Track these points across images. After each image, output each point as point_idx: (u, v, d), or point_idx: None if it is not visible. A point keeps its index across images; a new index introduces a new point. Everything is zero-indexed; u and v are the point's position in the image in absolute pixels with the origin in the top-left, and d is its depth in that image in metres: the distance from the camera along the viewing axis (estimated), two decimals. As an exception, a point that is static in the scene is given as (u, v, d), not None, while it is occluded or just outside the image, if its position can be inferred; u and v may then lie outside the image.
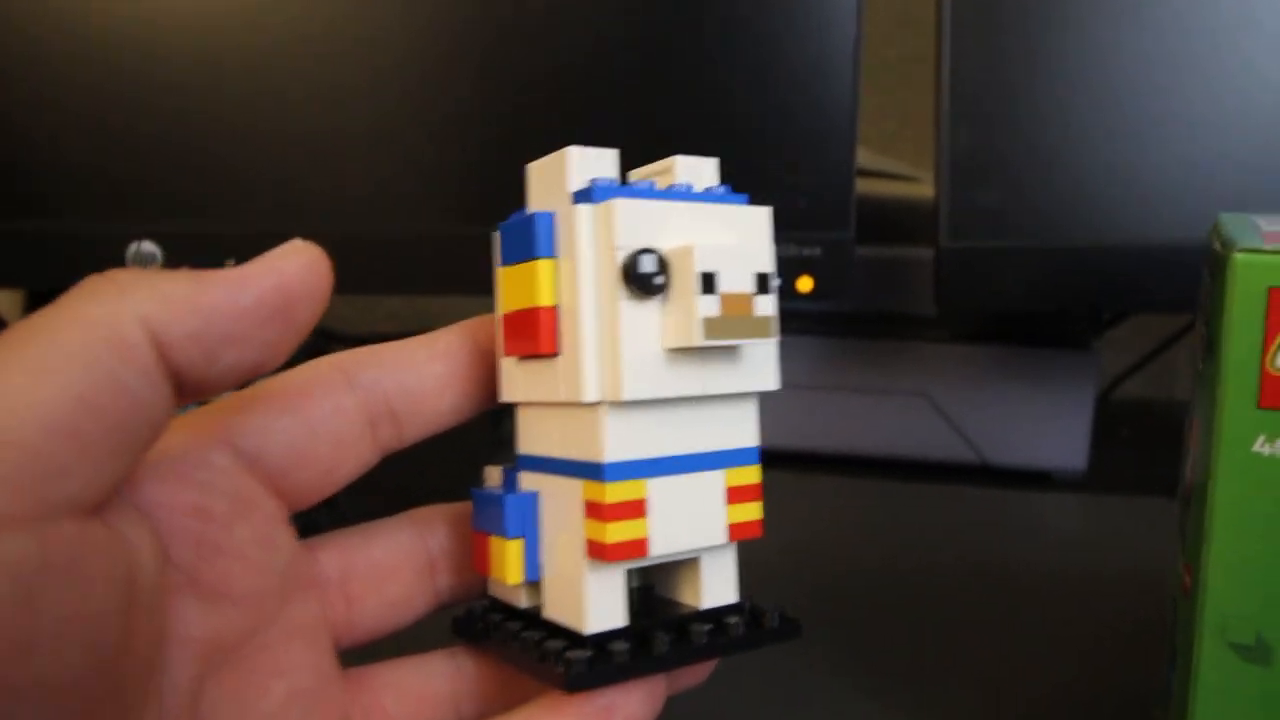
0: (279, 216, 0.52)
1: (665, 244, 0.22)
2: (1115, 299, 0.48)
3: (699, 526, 0.23)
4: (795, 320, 0.61)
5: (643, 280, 0.22)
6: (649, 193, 0.23)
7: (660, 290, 0.22)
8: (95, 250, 0.52)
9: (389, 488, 0.38)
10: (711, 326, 0.22)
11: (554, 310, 0.23)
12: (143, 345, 0.18)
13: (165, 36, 0.52)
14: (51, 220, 0.53)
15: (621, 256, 0.22)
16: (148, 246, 0.52)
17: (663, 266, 0.22)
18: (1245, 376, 0.22)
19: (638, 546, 0.22)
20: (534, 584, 0.24)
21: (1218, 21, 0.45)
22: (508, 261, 0.24)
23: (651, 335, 0.22)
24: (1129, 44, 0.45)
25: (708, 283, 0.22)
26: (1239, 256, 0.22)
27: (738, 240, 0.23)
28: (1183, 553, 0.25)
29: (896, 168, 0.67)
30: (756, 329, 0.22)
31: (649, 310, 0.22)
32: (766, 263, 0.22)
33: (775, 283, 0.23)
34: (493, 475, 0.26)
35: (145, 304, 0.19)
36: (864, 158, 0.61)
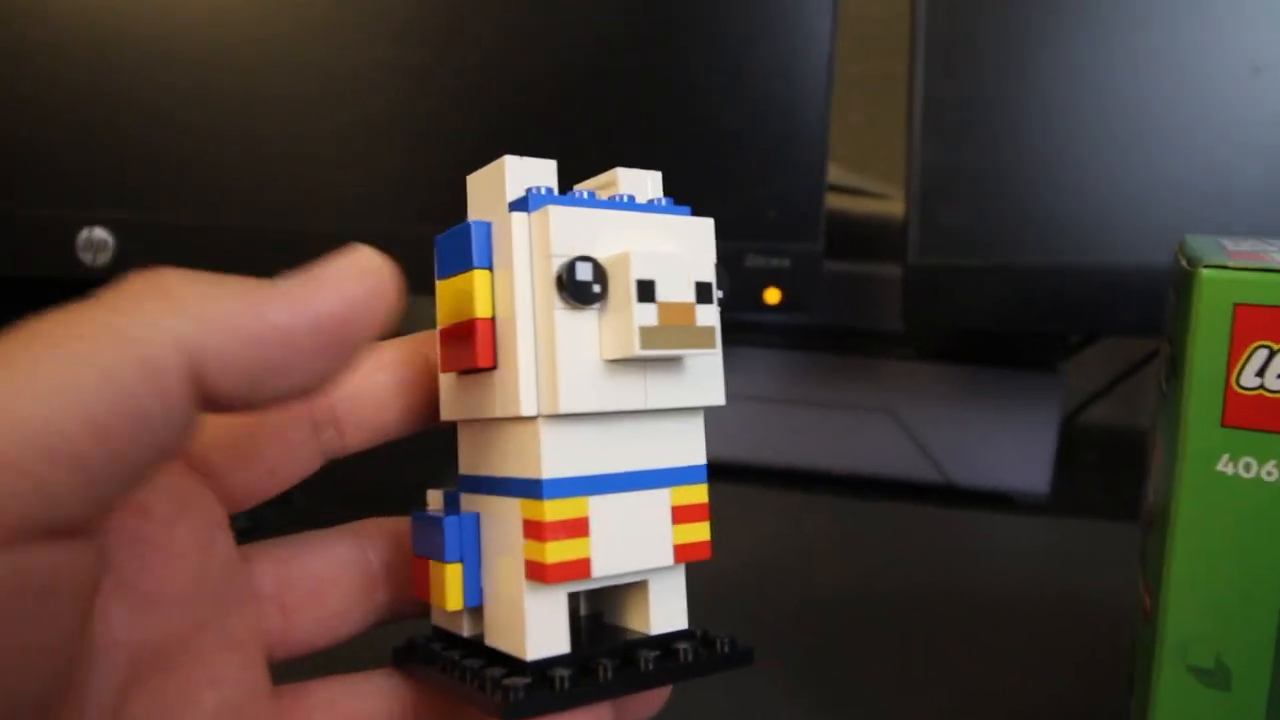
0: (237, 210, 0.50)
1: (603, 252, 0.22)
2: (1082, 320, 0.47)
3: (644, 547, 0.22)
4: (761, 333, 0.60)
5: (578, 288, 0.21)
6: (587, 201, 0.22)
7: (598, 299, 0.21)
8: (44, 235, 0.51)
9: (358, 491, 0.37)
10: (649, 336, 0.21)
11: (490, 322, 0.22)
12: (175, 372, 0.17)
13: (126, 22, 0.51)
14: None
15: (557, 265, 0.21)
16: (99, 233, 0.50)
17: (600, 275, 0.21)
18: (1210, 394, 0.21)
19: (579, 567, 0.21)
20: (477, 610, 0.23)
21: (1186, 46, 0.45)
22: (444, 274, 0.23)
23: (590, 346, 0.21)
24: (1099, 67, 0.45)
25: (645, 291, 0.21)
26: (1205, 272, 0.21)
27: (678, 249, 0.23)
28: (1144, 575, 0.24)
29: (865, 184, 0.67)
30: (698, 339, 0.22)
31: (587, 320, 0.21)
32: (707, 271, 0.22)
33: (718, 294, 0.22)
34: (434, 498, 0.25)
35: (190, 325, 0.17)
36: (833, 174, 0.61)
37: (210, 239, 0.50)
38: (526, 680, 0.21)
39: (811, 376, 0.57)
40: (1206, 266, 0.21)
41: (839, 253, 0.56)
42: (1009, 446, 0.54)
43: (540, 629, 0.22)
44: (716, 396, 0.23)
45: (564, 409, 0.21)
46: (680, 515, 0.23)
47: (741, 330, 0.60)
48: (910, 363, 0.57)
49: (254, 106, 0.50)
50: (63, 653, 0.17)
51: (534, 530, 0.21)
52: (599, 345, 0.21)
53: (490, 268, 0.22)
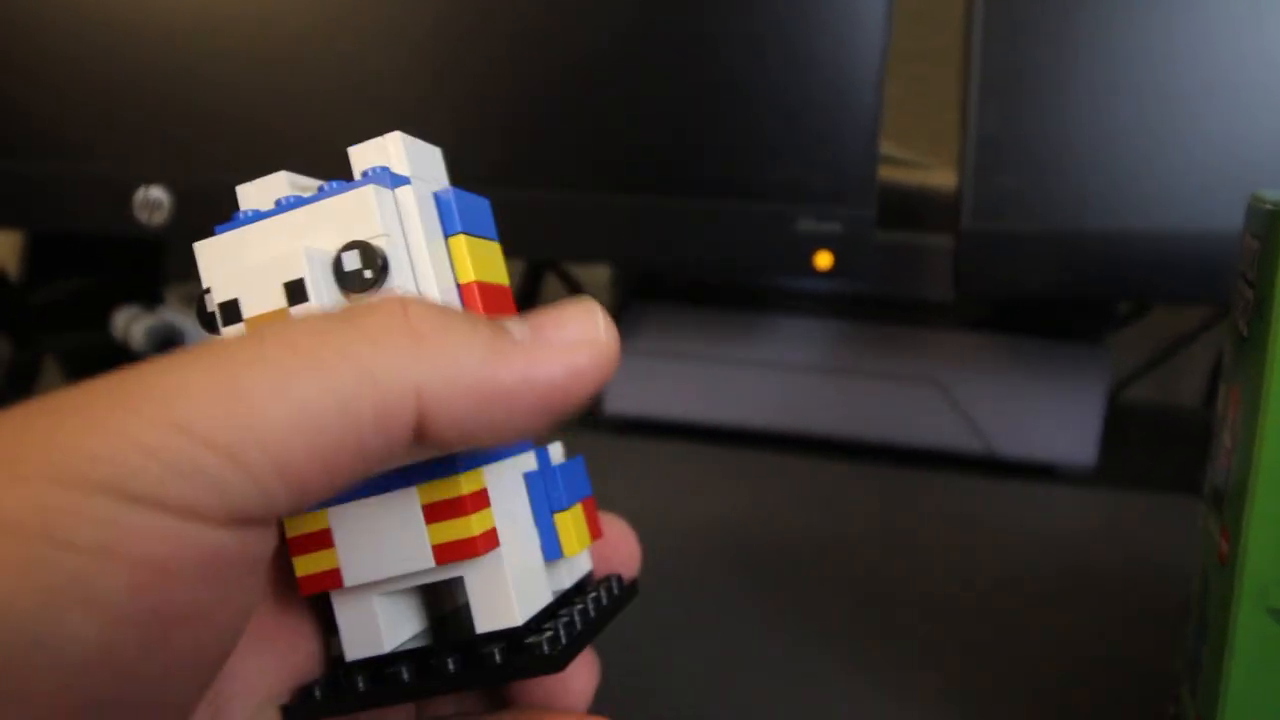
0: (293, 167, 0.51)
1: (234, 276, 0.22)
2: (1137, 287, 0.47)
3: (396, 551, 0.22)
4: (805, 301, 0.60)
5: (208, 324, 0.22)
6: (240, 221, 0.22)
7: (216, 330, 0.22)
8: (101, 193, 0.51)
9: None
10: None
11: None
12: (405, 419, 0.18)
13: (183, -18, 0.51)
14: (56, 160, 0.52)
15: (210, 301, 0.21)
16: (155, 193, 0.51)
17: (231, 313, 0.21)
18: (1298, 334, 0.21)
19: (330, 578, 0.22)
20: None
21: (1247, 10, 0.44)
22: None
23: None
24: (1157, 30, 0.45)
25: (230, 312, 0.21)
26: (1296, 211, 0.21)
27: (326, 238, 0.22)
28: (1219, 520, 0.24)
29: (908, 155, 0.66)
30: None
31: None
32: (295, 268, 0.21)
33: (368, 274, 0.21)
34: None
35: (431, 375, 0.18)
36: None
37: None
38: (315, 683, 0.22)
39: (855, 346, 0.57)
40: (1297, 205, 0.21)
41: (882, 222, 0.56)
42: (1055, 418, 0.54)
43: (352, 632, 0.22)
44: None
45: None
46: (433, 513, 0.21)
47: (785, 299, 0.60)
48: (956, 333, 0.57)
49: (310, 66, 0.51)
50: (239, 624, 0.19)
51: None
52: None
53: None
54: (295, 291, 0.21)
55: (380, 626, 0.22)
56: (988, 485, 0.51)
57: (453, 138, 0.51)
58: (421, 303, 0.19)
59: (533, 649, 0.21)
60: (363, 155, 0.23)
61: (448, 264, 0.23)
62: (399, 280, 0.21)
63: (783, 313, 0.59)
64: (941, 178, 0.62)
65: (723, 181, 0.47)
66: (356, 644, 0.22)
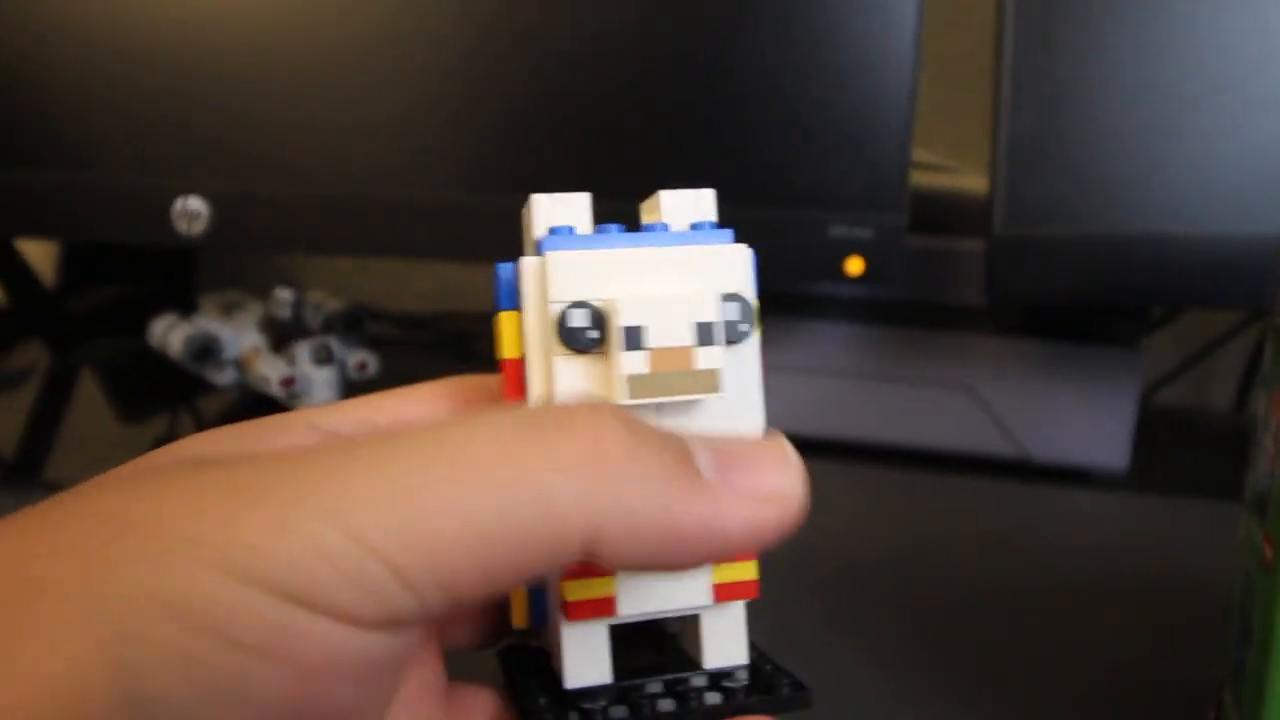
0: (331, 177, 0.51)
1: (610, 295, 0.21)
2: (1170, 292, 0.47)
3: (678, 587, 0.22)
4: (837, 307, 0.60)
5: (572, 335, 0.21)
6: (599, 240, 0.22)
7: (595, 345, 0.21)
8: (140, 204, 0.52)
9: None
10: (639, 384, 0.21)
11: (517, 363, 0.22)
12: (573, 547, 0.17)
13: (220, -4, 0.52)
14: (94, 172, 0.53)
15: (555, 311, 0.21)
16: (194, 203, 0.51)
17: (597, 321, 0.21)
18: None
19: (603, 606, 0.21)
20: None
21: (1284, 17, 0.44)
22: (497, 308, 0.24)
23: (597, 391, 0.21)
24: (1191, 31, 0.45)
25: (633, 337, 0.21)
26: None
27: (689, 288, 0.22)
28: (1262, 526, 0.24)
29: (940, 159, 0.66)
30: (697, 384, 0.21)
31: (592, 365, 0.21)
32: (709, 311, 0.21)
33: (742, 328, 0.22)
34: None
35: (610, 514, 0.17)
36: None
37: (304, 208, 0.51)
38: (549, 712, 0.22)
39: (888, 351, 0.57)
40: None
41: (913, 226, 0.56)
42: (1088, 422, 0.54)
43: (578, 659, 0.22)
44: (752, 429, 0.22)
45: None
46: None
47: (817, 304, 0.60)
48: (988, 337, 0.57)
49: (348, 77, 0.51)
50: (385, 705, 0.19)
51: None
52: (606, 390, 0.21)
53: (518, 309, 0.22)
54: (704, 333, 0.21)
55: (608, 656, 0.22)
56: (1021, 490, 0.51)
57: (487, 147, 0.51)
58: (614, 424, 0.18)
59: (791, 684, 0.22)
60: (679, 204, 0.23)
61: None
62: (753, 335, 0.22)
63: (815, 318, 0.59)
64: (973, 182, 0.62)
65: (755, 188, 0.47)
66: (581, 673, 0.22)
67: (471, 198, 0.51)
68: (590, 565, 0.18)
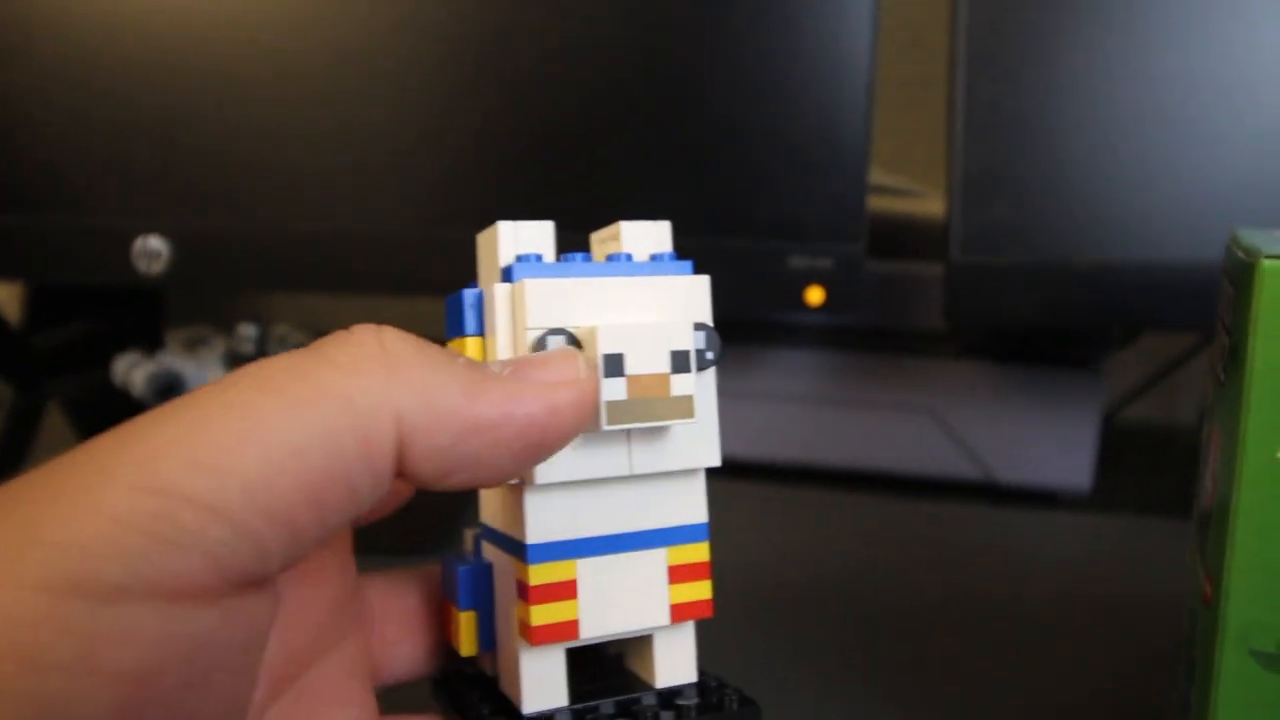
0: (291, 213, 0.51)
1: (581, 322, 0.22)
2: (1127, 316, 0.48)
3: (637, 607, 0.22)
4: (801, 334, 0.61)
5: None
6: (569, 269, 0.22)
7: None
8: (100, 244, 0.52)
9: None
10: (617, 411, 0.21)
11: None
12: (388, 448, 0.17)
13: (171, 30, 0.52)
14: (55, 213, 0.53)
15: (531, 338, 0.21)
16: (154, 242, 0.51)
17: (576, 345, 0.21)
18: (1271, 384, 0.22)
19: (566, 629, 0.22)
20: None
21: (1231, 41, 0.45)
22: (450, 335, 0.24)
23: None
24: (1143, 61, 0.46)
25: (612, 365, 0.21)
26: (1266, 263, 0.22)
27: (656, 316, 0.22)
28: (1202, 562, 0.25)
29: (900, 183, 0.67)
30: (672, 410, 0.21)
31: None
32: (683, 339, 0.22)
33: (709, 355, 0.22)
34: (468, 539, 0.26)
35: (409, 402, 0.17)
36: (870, 173, 0.61)
37: (264, 245, 0.51)
38: None
39: (851, 377, 0.58)
40: (1267, 257, 0.21)
41: (875, 251, 0.57)
42: (1051, 444, 0.54)
43: (536, 685, 0.22)
44: (709, 457, 0.23)
45: (538, 480, 0.21)
46: (678, 575, 0.23)
47: (781, 332, 0.61)
48: (950, 362, 0.57)
49: (306, 113, 0.51)
50: (246, 693, 0.18)
51: (522, 592, 0.22)
52: None
53: (482, 334, 0.23)
54: (680, 361, 0.22)
55: (565, 679, 0.22)
56: (986, 513, 0.51)
57: (446, 179, 0.51)
58: (395, 331, 0.18)
59: (740, 699, 0.23)
60: (639, 235, 0.24)
61: None
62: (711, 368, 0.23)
63: (778, 345, 0.59)
64: (934, 206, 0.63)
65: (713, 219, 0.48)
66: (538, 698, 0.22)
67: (430, 231, 0.51)
68: (406, 477, 0.18)
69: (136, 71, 0.52)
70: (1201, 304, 0.45)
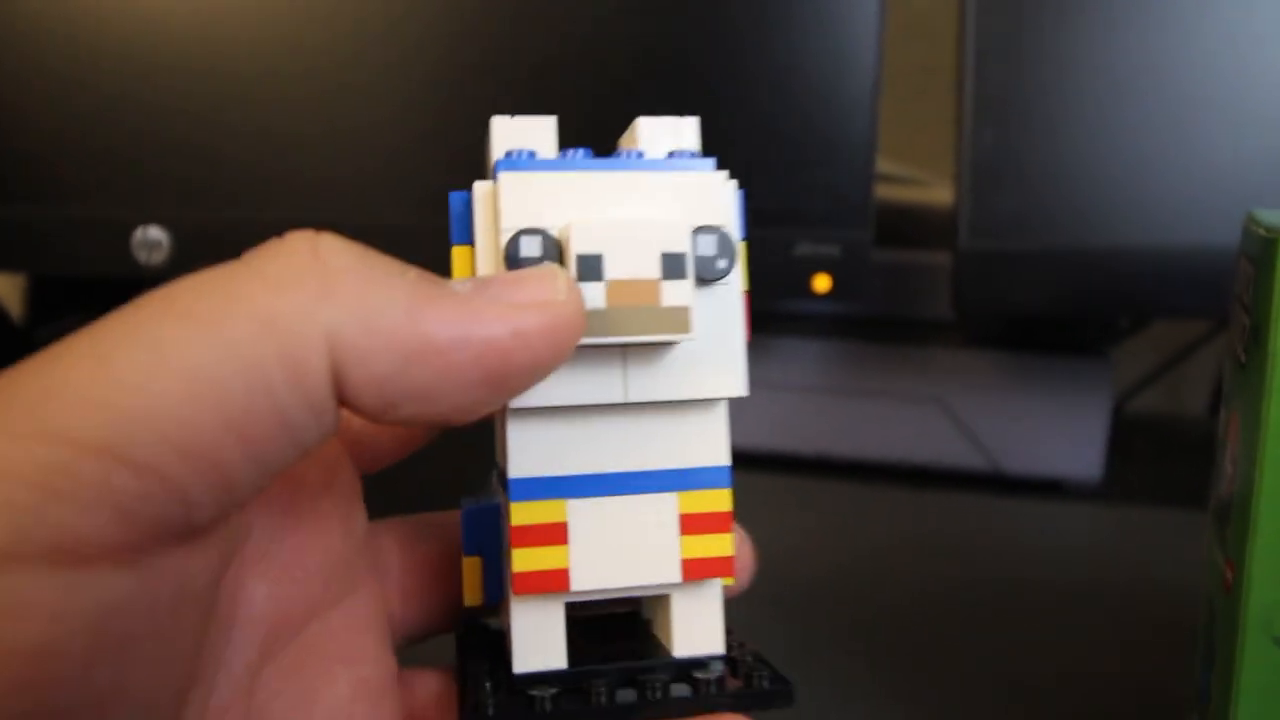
0: (291, 203, 0.51)
1: (565, 222, 0.19)
2: (1136, 303, 0.47)
3: (641, 560, 0.19)
4: (807, 322, 0.60)
5: (522, 266, 0.18)
6: (559, 164, 0.19)
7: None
8: (99, 235, 0.52)
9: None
10: (592, 321, 0.18)
11: None
12: (322, 374, 0.15)
13: (173, 20, 0.51)
14: (54, 204, 0.52)
15: (506, 238, 0.18)
16: (154, 233, 0.51)
17: (552, 249, 0.18)
18: (1294, 363, 0.21)
19: (554, 579, 0.19)
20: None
21: (1239, 25, 0.44)
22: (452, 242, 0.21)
23: None
24: (1150, 47, 0.45)
25: (588, 267, 0.18)
26: (1289, 239, 0.21)
27: (673, 212, 0.19)
28: (1222, 549, 0.24)
29: (907, 171, 0.66)
30: (664, 323, 0.18)
31: None
32: (678, 240, 0.18)
33: (720, 264, 0.19)
34: (494, 480, 0.23)
35: (343, 321, 0.15)
36: (877, 162, 0.60)
37: (265, 235, 0.50)
38: (491, 697, 0.19)
39: (858, 366, 0.57)
40: (1289, 233, 0.21)
41: (882, 240, 0.56)
42: (1060, 433, 0.54)
43: (529, 642, 0.19)
44: (729, 385, 0.20)
45: (513, 404, 0.18)
46: (691, 524, 0.20)
47: (788, 320, 0.60)
48: (958, 350, 0.57)
49: (307, 103, 0.51)
50: (191, 653, 0.16)
51: (508, 534, 0.19)
52: None
53: (470, 242, 0.20)
54: (672, 265, 0.18)
55: (563, 638, 0.20)
56: (994, 503, 0.51)
57: (448, 172, 0.51)
58: (335, 238, 0.16)
59: (772, 677, 0.20)
60: (656, 131, 0.21)
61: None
62: (735, 277, 0.19)
63: (785, 334, 0.59)
64: (941, 194, 0.62)
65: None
66: (531, 656, 0.19)
67: (431, 223, 0.50)
68: (381, 426, 0.16)
69: (136, 62, 0.52)
70: (1211, 291, 0.44)
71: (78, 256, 0.52)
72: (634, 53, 0.49)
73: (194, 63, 0.51)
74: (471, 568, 0.21)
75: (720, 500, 0.20)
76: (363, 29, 0.50)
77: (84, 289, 0.73)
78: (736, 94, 0.48)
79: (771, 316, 0.60)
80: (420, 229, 0.51)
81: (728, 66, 0.48)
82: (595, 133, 0.48)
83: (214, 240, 0.51)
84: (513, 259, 0.18)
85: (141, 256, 0.51)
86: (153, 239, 0.51)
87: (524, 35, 0.49)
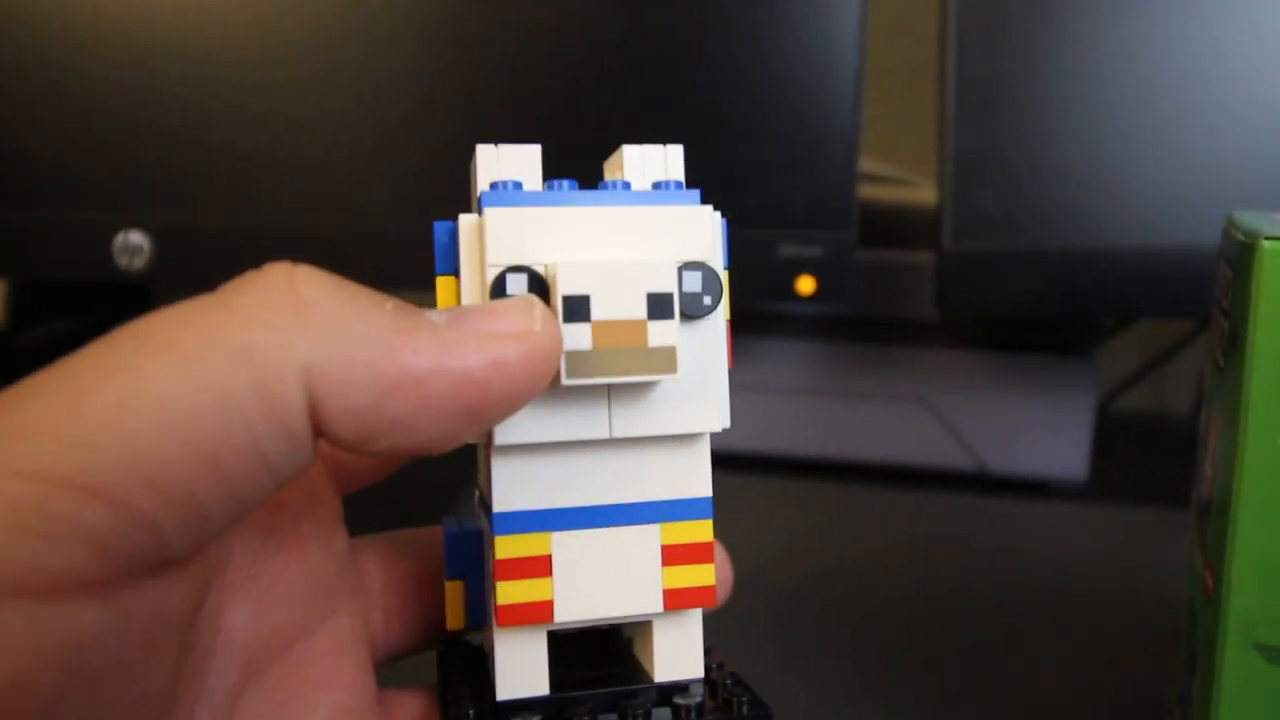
0: (272, 208, 0.51)
1: (549, 259, 0.19)
2: (1120, 303, 0.47)
3: (624, 590, 0.20)
4: (791, 324, 0.60)
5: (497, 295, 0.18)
6: (543, 197, 0.19)
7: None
8: (80, 240, 0.51)
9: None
10: (579, 363, 0.18)
11: None
12: (298, 406, 0.15)
13: (153, 24, 0.51)
14: (35, 210, 0.52)
15: (492, 275, 0.18)
16: (135, 238, 0.50)
17: (538, 287, 0.18)
18: (1272, 368, 0.21)
19: (538, 610, 0.19)
20: None
21: (1222, 26, 0.44)
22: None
23: None
24: (1135, 46, 0.45)
25: (575, 308, 0.18)
26: (1267, 244, 0.21)
27: (657, 248, 0.19)
28: (1202, 553, 0.24)
29: (892, 172, 0.66)
30: (650, 363, 0.18)
31: None
32: (664, 280, 0.18)
33: (706, 300, 0.19)
34: (476, 499, 0.23)
35: (319, 353, 0.15)
36: (861, 162, 0.60)
37: (247, 239, 0.50)
38: None
39: (842, 367, 0.57)
40: (1267, 238, 0.21)
41: (867, 240, 0.56)
42: (1045, 433, 0.54)
43: (512, 669, 0.20)
44: (711, 420, 0.20)
45: (497, 441, 0.19)
46: (673, 555, 0.20)
47: (772, 322, 0.60)
48: (942, 351, 0.57)
49: (287, 105, 0.51)
50: (168, 682, 0.16)
51: (491, 563, 0.20)
52: None
53: (455, 273, 0.19)
54: (659, 306, 0.18)
55: (545, 665, 0.20)
56: (979, 503, 0.51)
57: (431, 171, 0.51)
58: (311, 270, 0.16)
59: (751, 702, 0.20)
60: (642, 159, 0.21)
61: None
62: (717, 316, 0.20)
63: (769, 336, 0.59)
64: (925, 194, 0.62)
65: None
66: (514, 683, 0.20)
67: (415, 223, 0.50)
68: (358, 457, 0.16)
69: (118, 68, 0.51)
70: (1195, 290, 0.44)
71: (59, 261, 0.52)
72: (615, 52, 0.49)
73: (176, 69, 0.51)
74: (454, 592, 0.22)
75: (702, 531, 0.20)
76: (343, 28, 0.50)
77: (68, 295, 0.73)
78: (718, 94, 0.48)
79: (756, 318, 0.60)
80: (401, 232, 0.50)
81: (710, 66, 0.48)
82: (578, 133, 0.48)
83: (195, 245, 0.51)
84: (499, 294, 0.18)
85: (123, 261, 0.50)
86: (134, 244, 0.50)
87: (508, 33, 0.49)
